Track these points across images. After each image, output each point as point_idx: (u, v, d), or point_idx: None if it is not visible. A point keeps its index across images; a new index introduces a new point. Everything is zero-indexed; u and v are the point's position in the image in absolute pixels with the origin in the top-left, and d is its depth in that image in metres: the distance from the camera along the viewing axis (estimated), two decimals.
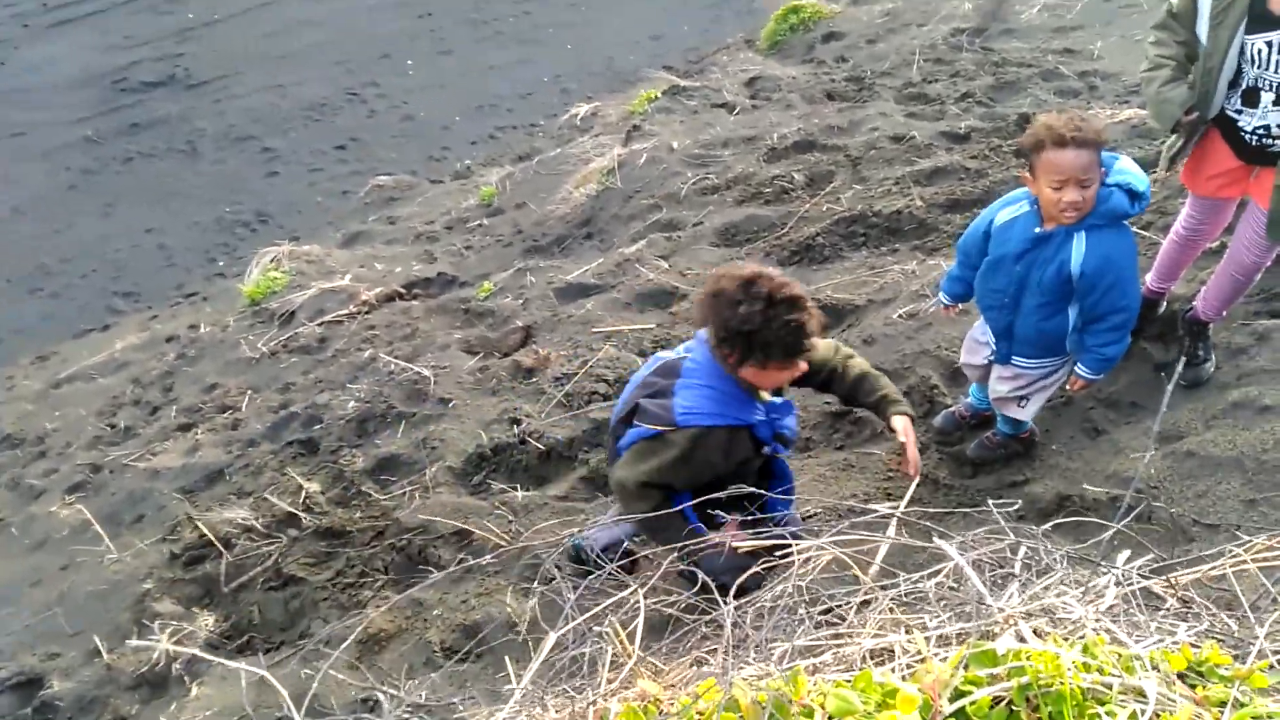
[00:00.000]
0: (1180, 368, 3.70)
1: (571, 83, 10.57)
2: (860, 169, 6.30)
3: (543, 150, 8.89)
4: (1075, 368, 3.25)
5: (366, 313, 6.49)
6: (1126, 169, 2.89)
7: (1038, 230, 2.97)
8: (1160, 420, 3.29)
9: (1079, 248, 2.91)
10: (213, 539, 4.43)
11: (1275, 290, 4.00)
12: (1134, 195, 2.87)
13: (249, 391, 5.93)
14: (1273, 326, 3.85)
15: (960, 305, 3.58)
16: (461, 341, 5.64)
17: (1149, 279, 3.90)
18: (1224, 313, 3.72)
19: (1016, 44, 7.25)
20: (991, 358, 3.38)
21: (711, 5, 11.52)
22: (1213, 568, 1.62)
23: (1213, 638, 1.52)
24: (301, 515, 4.40)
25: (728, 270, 2.55)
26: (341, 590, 3.99)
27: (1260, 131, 3.11)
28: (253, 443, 5.27)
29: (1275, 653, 1.44)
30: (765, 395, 2.74)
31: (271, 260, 7.52)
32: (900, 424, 2.93)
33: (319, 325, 6.44)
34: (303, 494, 4.53)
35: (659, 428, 2.65)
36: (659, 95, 8.47)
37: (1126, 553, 1.78)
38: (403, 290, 6.70)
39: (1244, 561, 1.56)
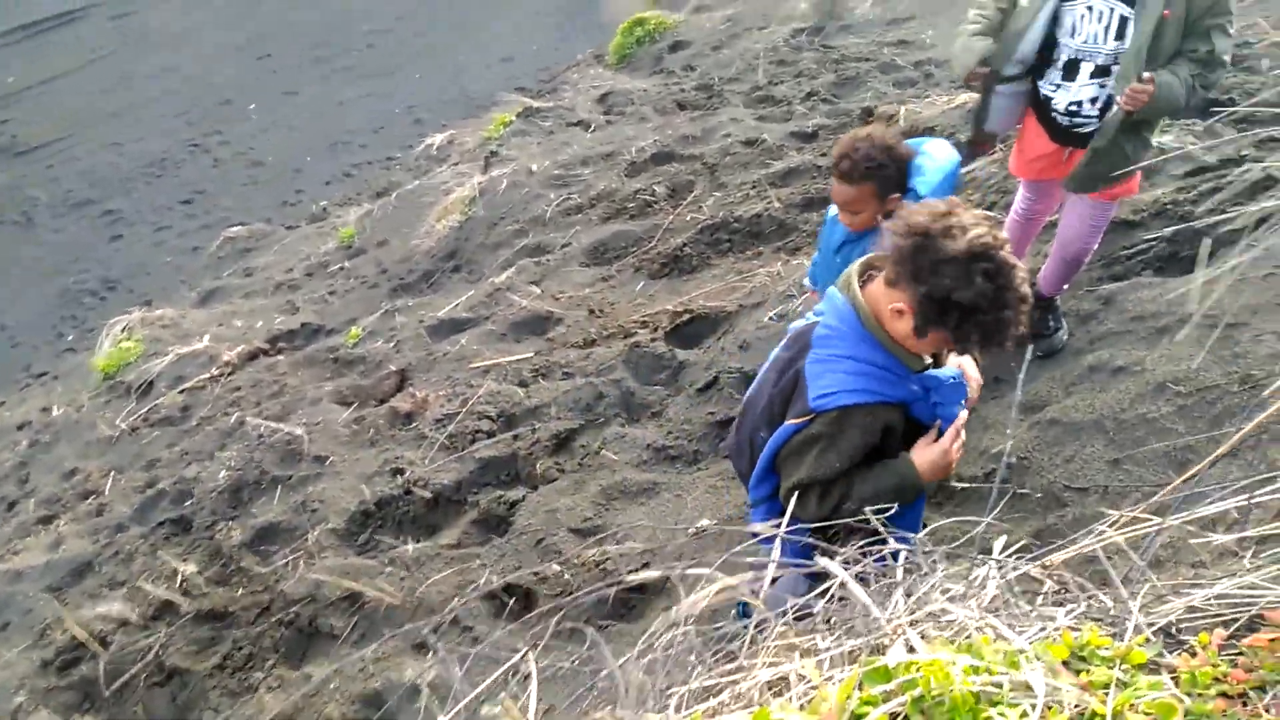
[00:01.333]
0: (1033, 341, 3.86)
1: (425, 112, 10.41)
2: (718, 176, 6.37)
3: (401, 184, 8.71)
4: None
5: (230, 374, 6.20)
6: (924, 166, 2.86)
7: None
8: (1021, 391, 3.39)
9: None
10: (87, 639, 4.14)
11: (1115, 255, 4.20)
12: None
13: (111, 473, 5.59)
14: (1116, 290, 4.04)
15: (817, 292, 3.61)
16: (333, 393, 5.44)
17: None
18: (1064, 287, 3.88)
19: (853, 40, 7.46)
20: None
21: (558, 24, 11.52)
22: (1082, 548, 1.66)
23: (1091, 619, 1.55)
24: (179, 600, 4.16)
25: (940, 215, 1.98)
26: (230, 675, 3.78)
27: (1073, 108, 3.17)
28: (120, 528, 4.97)
29: (1150, 625, 1.48)
30: (923, 360, 2.24)
31: (123, 329, 7.12)
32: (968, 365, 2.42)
33: (180, 393, 6.13)
34: (179, 577, 4.28)
35: (796, 421, 2.22)
36: (514, 118, 8.40)
37: (1002, 540, 1.80)
38: (266, 346, 6.44)
39: (1110, 538, 1.60)
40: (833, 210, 3.19)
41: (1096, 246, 3.67)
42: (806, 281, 3.58)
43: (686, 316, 5.04)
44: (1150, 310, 3.76)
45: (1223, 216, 3.46)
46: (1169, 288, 3.79)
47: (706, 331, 4.97)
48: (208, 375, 6.26)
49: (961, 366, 2.33)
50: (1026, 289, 1.95)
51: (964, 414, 2.28)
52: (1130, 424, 3.42)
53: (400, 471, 4.47)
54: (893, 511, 2.12)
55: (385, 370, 5.46)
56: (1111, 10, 2.95)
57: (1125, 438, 3.39)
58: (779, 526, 2.09)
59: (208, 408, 5.86)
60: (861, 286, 2.17)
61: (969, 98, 5.85)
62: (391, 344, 5.79)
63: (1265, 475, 1.65)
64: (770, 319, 4.74)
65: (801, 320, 2.45)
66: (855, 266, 2.24)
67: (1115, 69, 3.04)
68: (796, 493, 2.21)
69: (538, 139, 7.86)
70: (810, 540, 2.13)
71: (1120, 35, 2.97)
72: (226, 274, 8.25)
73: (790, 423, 2.23)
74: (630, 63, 9.44)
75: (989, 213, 2.17)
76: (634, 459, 4.21)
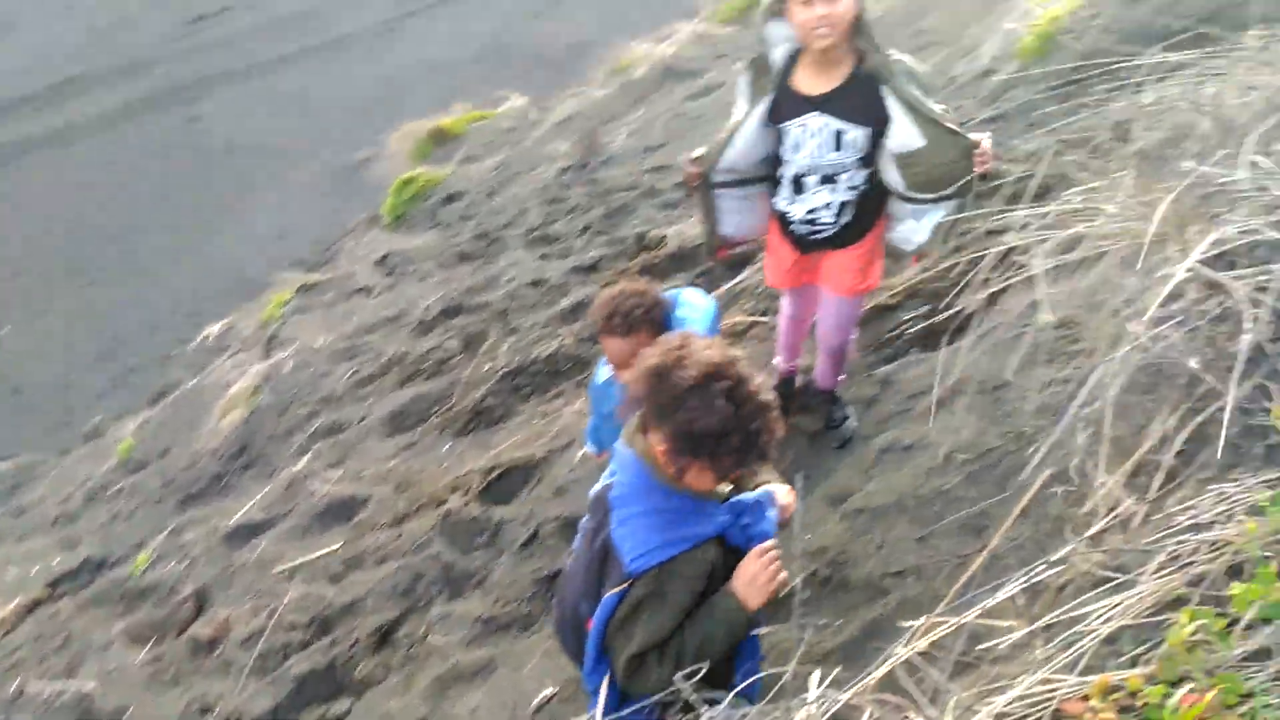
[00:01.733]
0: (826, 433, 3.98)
1: (198, 304, 9.94)
2: (509, 321, 6.35)
3: (180, 383, 8.21)
4: None
5: (7, 633, 5.52)
6: (685, 317, 2.96)
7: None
8: (799, 525, 3.37)
9: None
10: None
11: (882, 338, 4.43)
12: None
13: None
14: (890, 370, 4.23)
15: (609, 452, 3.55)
16: (125, 634, 4.93)
17: (778, 360, 4.16)
18: (839, 378, 4.01)
19: (616, 171, 7.74)
20: None
21: (327, 193, 11.38)
22: (887, 669, 1.64)
23: None
24: None
25: (672, 350, 1.99)
26: None
27: (809, 218, 3.28)
28: None
29: None
30: (723, 489, 2.22)
31: None
32: (780, 490, 2.41)
33: None
34: None
35: (616, 590, 2.12)
36: (292, 296, 8.16)
37: (816, 674, 1.76)
38: (46, 592, 5.80)
39: (904, 657, 1.58)
40: (601, 374, 3.18)
41: (854, 337, 3.82)
42: (589, 447, 3.54)
43: (497, 472, 4.90)
44: (923, 386, 3.95)
45: (969, 288, 3.73)
46: (935, 361, 4.00)
47: (520, 483, 4.84)
48: None
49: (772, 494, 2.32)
50: (769, 396, 1.99)
51: (778, 491, 2.29)
52: (928, 499, 3.53)
53: (209, 710, 4.05)
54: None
55: (179, 595, 5.00)
56: (823, 128, 3.08)
57: (926, 513, 3.49)
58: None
59: None
60: (645, 435, 2.15)
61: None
62: (184, 564, 5.33)
63: (1039, 555, 1.69)
64: (580, 458, 4.68)
65: (598, 484, 2.38)
66: (636, 417, 2.21)
67: (841, 177, 3.18)
68: (634, 666, 2.11)
69: (320, 313, 7.65)
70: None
71: (837, 147, 3.11)
72: None
73: (610, 594, 2.14)
74: (406, 221, 9.42)
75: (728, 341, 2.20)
76: (464, 637, 3.98)
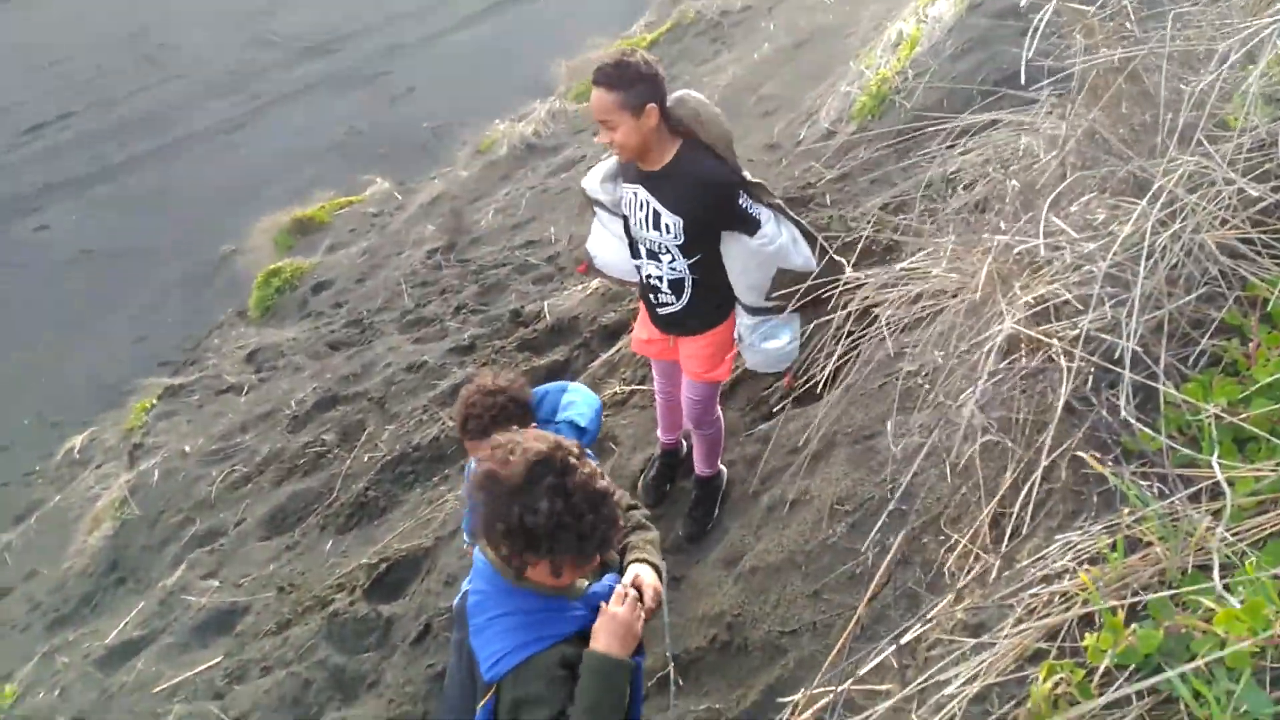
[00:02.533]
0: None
1: (58, 415, 9.44)
2: (388, 408, 6.24)
3: (43, 501, 7.74)
4: None
5: None
6: (573, 400, 3.04)
7: None
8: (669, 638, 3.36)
9: None
10: None
11: (759, 397, 4.53)
12: (579, 429, 3.01)
13: None
14: (768, 428, 4.32)
15: None
16: None
17: (659, 434, 4.21)
18: (716, 461, 4.06)
19: (486, 249, 7.76)
20: None
21: (190, 291, 11.01)
22: None
23: None
24: None
25: (499, 449, 1.96)
26: None
27: (653, 283, 3.30)
28: None
29: None
30: (580, 585, 2.18)
31: None
32: (630, 573, 2.31)
33: None
34: None
35: (484, 703, 2.06)
36: (156, 401, 7.83)
37: None
38: None
39: None
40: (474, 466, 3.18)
41: (716, 415, 3.88)
42: (466, 539, 3.50)
43: (384, 566, 4.77)
44: (801, 440, 4.04)
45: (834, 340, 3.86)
46: (809, 415, 4.11)
47: (409, 577, 4.72)
48: None
49: (635, 579, 2.26)
50: (601, 483, 1.97)
51: (630, 576, 2.22)
52: (816, 553, 3.59)
53: None
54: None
55: None
56: (647, 203, 3.11)
57: (815, 567, 3.55)
58: None
59: None
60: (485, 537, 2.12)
61: (601, 284, 6.21)
62: (56, 692, 4.98)
63: (907, 625, 1.74)
64: (468, 544, 4.59)
65: (458, 595, 2.35)
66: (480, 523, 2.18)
67: (663, 257, 3.19)
68: None
69: (187, 416, 7.35)
70: None
71: (657, 225, 3.12)
72: None
73: (481, 708, 2.09)
74: (276, 313, 9.20)
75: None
76: None
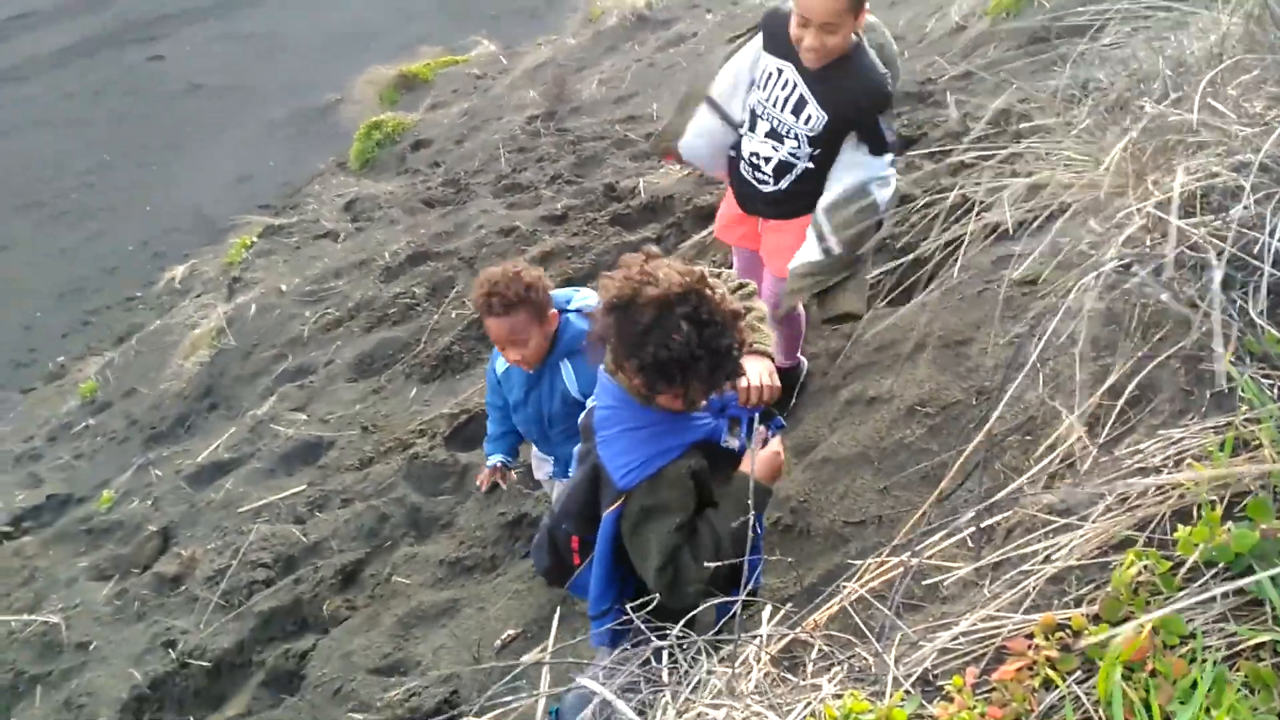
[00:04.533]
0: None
1: (162, 245, 9.82)
2: (477, 268, 6.30)
3: (144, 325, 8.12)
4: None
5: None
6: (584, 294, 3.06)
7: (529, 371, 3.03)
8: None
9: (569, 375, 3.00)
10: None
11: None
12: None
13: None
14: (856, 324, 4.27)
15: (513, 463, 3.43)
16: (90, 569, 4.92)
17: None
18: (798, 354, 4.02)
19: (586, 120, 7.67)
20: (553, 474, 3.37)
21: (294, 135, 11.21)
22: (830, 606, 1.68)
23: (854, 679, 1.56)
24: None
25: (631, 279, 1.95)
26: None
27: (754, 159, 3.23)
28: None
29: (908, 676, 1.50)
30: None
31: None
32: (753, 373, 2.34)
33: None
34: None
35: (612, 509, 2.17)
36: (257, 239, 8.06)
37: (766, 609, 1.80)
38: (9, 529, 5.76)
39: (854, 595, 1.63)
40: (499, 364, 3.17)
41: (799, 311, 3.81)
42: (496, 459, 3.35)
43: (464, 417, 4.91)
44: (889, 339, 3.99)
45: (933, 244, 3.76)
46: (900, 316, 4.04)
47: (485, 430, 4.85)
48: None
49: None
50: (734, 305, 1.98)
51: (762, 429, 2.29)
52: (890, 451, 3.58)
53: (173, 644, 4.06)
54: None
55: (145, 533, 4.99)
56: (795, 86, 3.03)
57: (888, 465, 3.55)
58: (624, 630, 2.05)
59: None
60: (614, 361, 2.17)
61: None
62: (149, 502, 5.31)
63: (990, 500, 1.74)
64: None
65: (584, 411, 2.42)
66: (608, 351, 2.22)
67: (787, 140, 3.12)
68: (668, 577, 2.13)
69: (285, 256, 7.56)
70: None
71: (796, 111, 3.05)
72: None
73: (608, 514, 2.19)
74: (374, 166, 9.30)
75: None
76: (428, 579, 4.02)
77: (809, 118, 3.05)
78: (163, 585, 4.52)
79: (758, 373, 2.36)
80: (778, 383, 2.41)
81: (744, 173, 3.32)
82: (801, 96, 3.03)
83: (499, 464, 3.32)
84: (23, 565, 5.31)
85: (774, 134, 3.16)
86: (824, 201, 3.19)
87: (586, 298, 3.06)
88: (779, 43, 3.05)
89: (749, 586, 1.78)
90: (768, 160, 3.21)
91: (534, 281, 2.85)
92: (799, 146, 3.13)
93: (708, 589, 2.10)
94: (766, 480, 2.19)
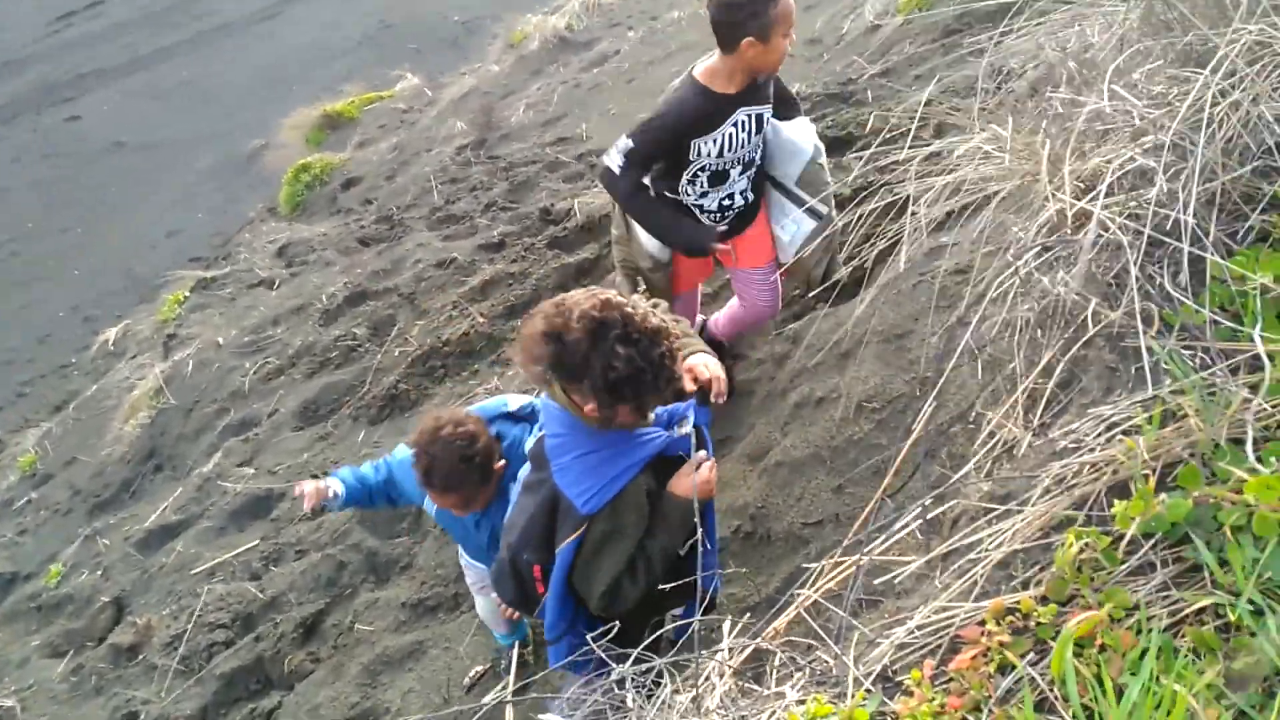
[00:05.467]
0: None
1: (92, 309, 9.57)
2: (417, 303, 6.26)
3: (80, 391, 7.91)
4: None
5: None
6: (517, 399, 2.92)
7: None
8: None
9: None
10: None
11: (789, 296, 4.50)
12: (511, 415, 2.88)
13: None
14: (798, 328, 4.31)
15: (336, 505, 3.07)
16: (43, 647, 4.77)
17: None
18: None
19: (516, 145, 7.66)
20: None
21: (221, 185, 11.01)
22: (788, 613, 1.69)
23: (817, 683, 1.56)
24: None
25: (552, 316, 2.00)
26: None
27: (726, 203, 3.46)
28: None
29: (868, 674, 1.50)
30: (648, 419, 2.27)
31: None
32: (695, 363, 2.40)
33: None
34: None
35: (574, 537, 2.17)
36: (189, 294, 7.91)
37: (726, 622, 1.80)
38: None
39: (809, 600, 1.63)
40: (430, 504, 2.96)
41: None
42: (336, 486, 2.94)
43: None
44: (831, 339, 4.03)
45: (866, 244, 3.81)
46: (841, 315, 4.08)
47: None
48: None
49: (692, 370, 2.38)
50: (655, 319, 2.03)
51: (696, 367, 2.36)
52: (842, 449, 3.61)
53: (134, 716, 3.96)
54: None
55: (97, 604, 4.85)
56: (750, 116, 3.26)
57: (841, 463, 3.58)
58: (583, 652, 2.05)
59: None
60: (556, 388, 2.17)
61: None
62: (99, 573, 5.17)
63: (934, 492, 1.75)
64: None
65: (530, 440, 2.44)
66: (547, 375, 2.21)
67: (755, 156, 3.41)
68: (611, 597, 2.20)
69: (220, 309, 7.43)
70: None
71: (759, 129, 3.32)
72: None
73: (569, 541, 2.20)
74: (305, 209, 9.18)
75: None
76: (392, 623, 3.95)
77: (767, 120, 3.34)
78: (119, 656, 4.40)
79: (708, 364, 2.42)
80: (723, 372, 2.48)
81: (727, 211, 3.51)
82: (758, 115, 3.29)
83: (336, 492, 2.90)
84: None
85: (747, 164, 3.41)
86: (790, 177, 3.49)
87: (520, 399, 2.93)
88: (717, 114, 3.21)
89: (703, 604, 1.80)
90: (743, 193, 3.49)
91: (476, 452, 2.61)
92: (756, 150, 3.40)
93: (657, 604, 2.12)
94: (700, 498, 2.18)
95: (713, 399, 2.39)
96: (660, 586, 2.14)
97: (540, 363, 2.02)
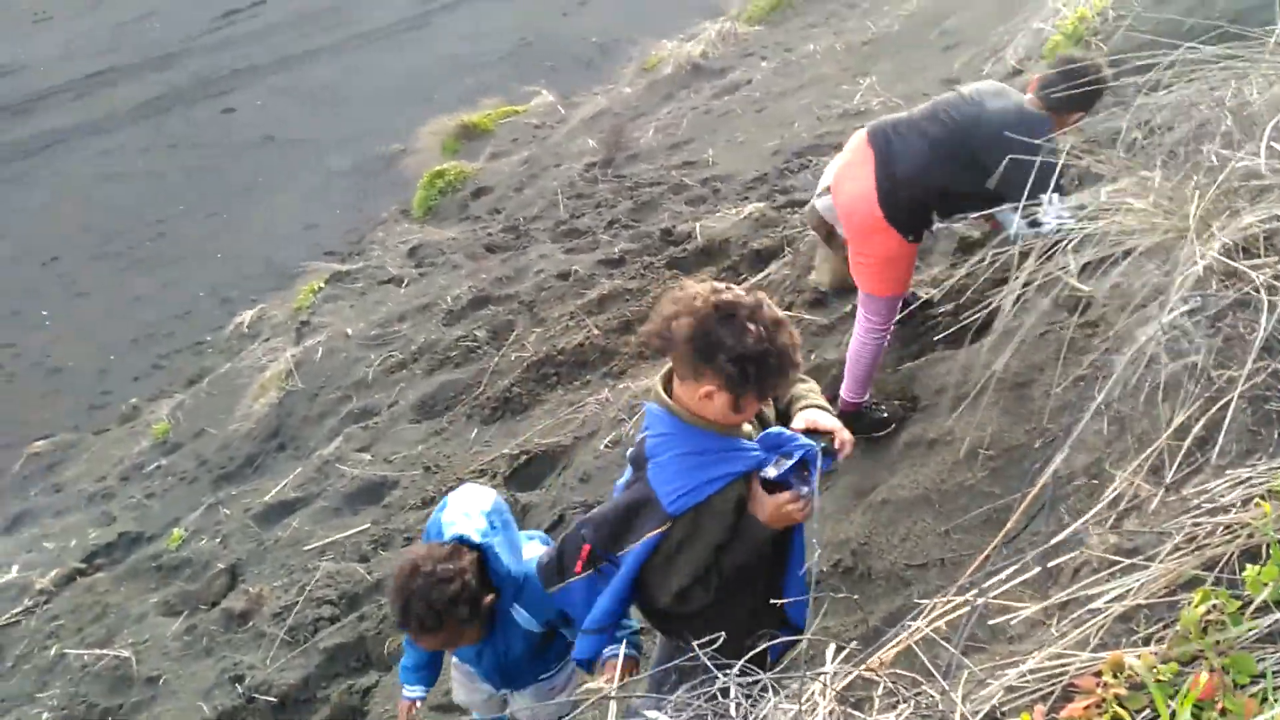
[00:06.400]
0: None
1: (231, 291, 10.12)
2: (536, 312, 6.44)
3: (213, 368, 8.37)
4: None
5: (46, 603, 5.68)
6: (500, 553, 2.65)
7: None
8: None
9: (523, 616, 2.67)
10: None
11: (909, 334, 4.46)
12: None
13: None
14: (915, 367, 4.27)
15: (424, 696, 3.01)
16: (160, 605, 5.06)
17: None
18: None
19: (643, 166, 7.81)
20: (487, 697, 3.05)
21: (358, 183, 11.53)
22: (900, 642, 1.69)
23: (921, 719, 1.56)
24: None
25: (687, 291, 2.07)
26: None
27: None
28: None
29: (975, 713, 1.51)
30: (747, 428, 2.28)
31: None
32: (801, 420, 2.33)
33: None
34: None
35: (655, 533, 2.18)
36: (323, 285, 8.30)
37: (831, 648, 1.81)
38: (83, 565, 5.95)
39: (920, 634, 1.64)
40: None
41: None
42: (416, 692, 2.91)
43: (524, 458, 4.99)
44: (949, 382, 3.98)
45: (995, 287, 3.77)
46: (961, 359, 4.03)
47: (546, 470, 4.93)
48: (20, 609, 5.73)
49: (813, 423, 2.31)
50: (778, 311, 2.05)
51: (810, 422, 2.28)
52: (952, 493, 3.56)
53: (240, 679, 4.16)
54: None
55: (214, 570, 5.13)
56: None
57: (950, 507, 3.53)
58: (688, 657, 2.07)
59: (23, 644, 5.34)
60: (666, 389, 2.22)
61: (755, 209, 6.19)
62: (218, 540, 5.46)
63: (1056, 539, 1.74)
64: (605, 446, 4.75)
65: (633, 446, 2.44)
66: (658, 380, 2.28)
67: None
68: (681, 599, 2.23)
69: (350, 301, 7.77)
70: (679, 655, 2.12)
71: None
72: (34, 493, 7.63)
73: (650, 536, 2.21)
74: (436, 213, 9.54)
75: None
76: None
77: None
78: (230, 621, 4.63)
79: (828, 419, 2.32)
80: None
81: None
82: None
83: (417, 699, 2.88)
84: (95, 601, 5.48)
85: None
86: None
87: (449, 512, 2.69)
88: None
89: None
90: None
91: (457, 593, 2.41)
92: None
93: (759, 627, 2.12)
94: (774, 524, 2.20)
95: (835, 447, 2.28)
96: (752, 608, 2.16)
97: (674, 337, 2.04)
